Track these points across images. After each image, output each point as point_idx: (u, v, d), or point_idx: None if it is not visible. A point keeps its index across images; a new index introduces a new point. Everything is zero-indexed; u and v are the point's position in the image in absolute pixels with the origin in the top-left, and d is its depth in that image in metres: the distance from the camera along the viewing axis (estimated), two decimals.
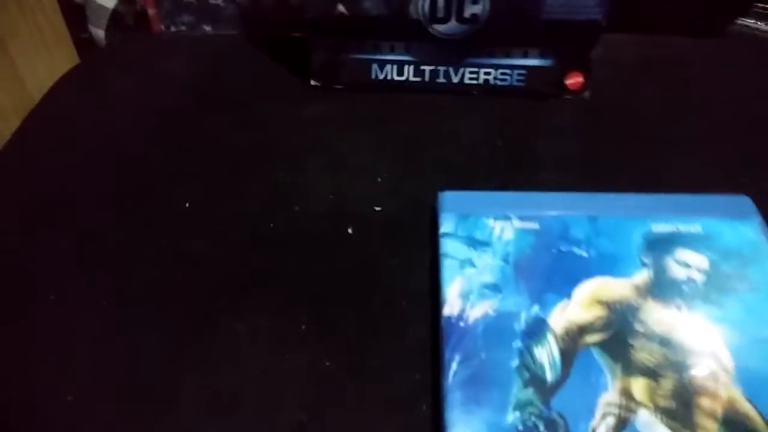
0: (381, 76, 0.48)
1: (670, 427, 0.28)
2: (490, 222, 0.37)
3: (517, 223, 0.37)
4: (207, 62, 0.52)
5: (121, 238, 0.38)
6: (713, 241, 0.36)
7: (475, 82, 0.48)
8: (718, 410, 0.29)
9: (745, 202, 0.38)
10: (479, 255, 0.35)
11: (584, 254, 0.35)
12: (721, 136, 0.45)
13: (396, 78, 0.48)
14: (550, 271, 0.34)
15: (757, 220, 0.37)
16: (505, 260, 0.35)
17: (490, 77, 0.48)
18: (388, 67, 0.48)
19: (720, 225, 0.37)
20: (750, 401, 0.29)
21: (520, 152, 0.44)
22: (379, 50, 0.47)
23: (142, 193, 0.41)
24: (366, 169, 0.42)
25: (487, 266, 0.34)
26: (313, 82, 0.49)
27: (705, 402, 0.29)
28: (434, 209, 0.38)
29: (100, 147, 0.44)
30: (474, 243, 0.36)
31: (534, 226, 0.37)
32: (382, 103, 0.48)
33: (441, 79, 0.48)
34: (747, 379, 0.30)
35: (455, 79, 0.48)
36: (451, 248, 0.35)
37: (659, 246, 0.36)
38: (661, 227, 0.36)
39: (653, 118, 0.47)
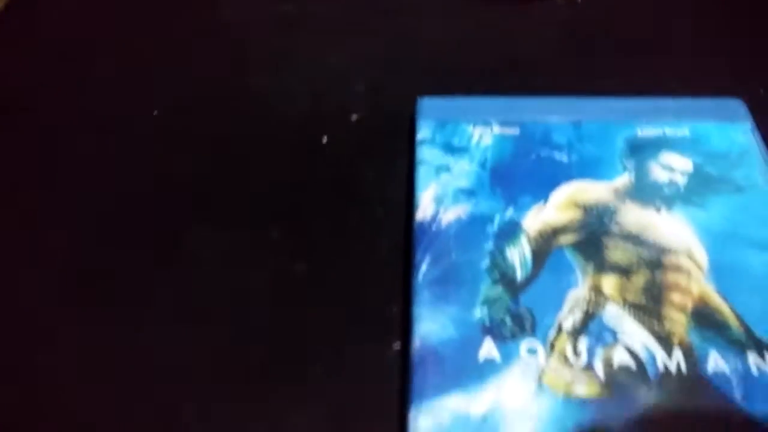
0: None
1: (638, 320, 0.28)
2: (470, 128, 0.36)
3: (496, 129, 0.36)
4: None
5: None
6: (700, 145, 0.35)
7: None
8: (689, 304, 0.29)
9: (737, 105, 0.37)
10: (456, 161, 0.35)
11: (564, 159, 0.35)
12: (717, 39, 0.43)
13: None
14: (528, 175, 0.34)
15: (748, 123, 0.36)
16: (482, 166, 0.34)
17: None
18: None
19: (709, 128, 0.36)
20: (723, 296, 0.29)
21: (507, 57, 0.42)
22: None
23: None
24: (342, 75, 0.41)
25: (462, 172, 0.34)
26: None
27: (675, 297, 0.29)
28: (413, 117, 0.37)
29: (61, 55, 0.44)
30: (451, 149, 0.35)
31: (514, 131, 0.36)
32: (359, 4, 0.46)
33: None
34: (721, 277, 0.30)
35: None
36: (427, 155, 0.35)
37: (643, 150, 0.35)
38: (647, 131, 0.36)
39: (647, 20, 0.45)
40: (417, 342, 0.28)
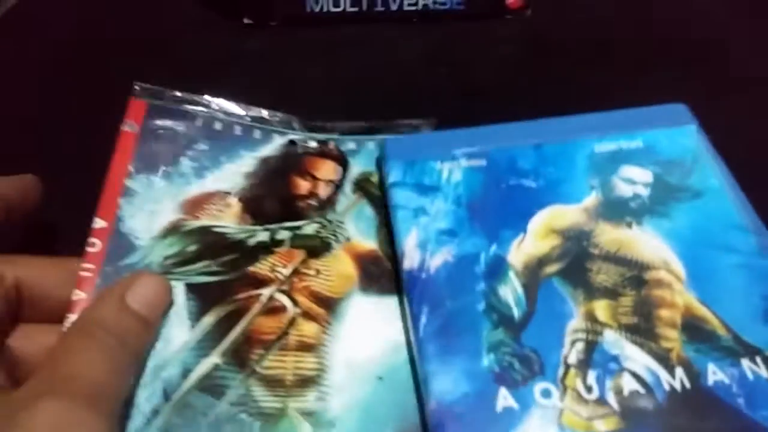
0: (317, 9, 0.46)
1: (635, 343, 0.29)
2: (438, 165, 0.36)
3: (464, 162, 0.36)
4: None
5: None
6: (655, 154, 0.36)
7: (414, 8, 0.47)
8: (677, 318, 0.30)
9: (680, 109, 0.39)
10: (431, 201, 0.34)
11: (533, 185, 0.35)
12: (659, 49, 0.45)
13: (333, 9, 0.46)
14: (503, 206, 0.34)
15: (693, 126, 0.38)
16: (457, 203, 0.34)
17: (429, 2, 0.47)
18: None
19: (659, 136, 0.37)
20: (704, 304, 0.30)
21: (463, 79, 0.43)
22: None
23: None
24: (309, 107, 0.40)
25: (440, 212, 0.34)
26: (246, 20, 0.47)
27: (664, 313, 0.30)
28: (380, 157, 0.37)
29: None
30: (424, 189, 0.35)
31: (481, 163, 0.36)
32: (320, 36, 0.46)
33: (379, 8, 0.47)
34: (699, 284, 0.31)
35: (394, 7, 0.47)
36: (402, 198, 0.35)
37: (604, 166, 0.36)
38: (603, 146, 0.37)
39: (593, 35, 0.46)
40: (433, 403, 0.28)
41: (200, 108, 0.38)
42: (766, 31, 0.47)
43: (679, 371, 0.28)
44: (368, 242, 0.34)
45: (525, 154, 0.36)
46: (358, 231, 0.34)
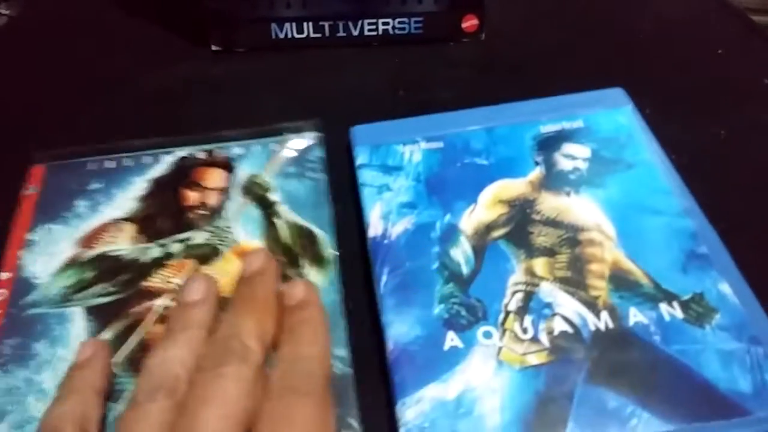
0: (281, 35, 0.50)
1: (568, 292, 0.34)
2: (400, 148, 0.41)
3: (424, 145, 0.41)
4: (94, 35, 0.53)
5: None
6: (593, 133, 0.41)
7: (374, 33, 0.50)
8: (606, 271, 0.34)
9: (618, 93, 0.43)
10: (394, 179, 0.39)
11: (485, 162, 0.40)
12: (610, 61, 0.48)
13: (296, 36, 0.50)
14: (457, 182, 0.39)
15: (629, 107, 0.42)
16: (417, 180, 0.39)
17: (389, 27, 0.50)
18: (287, 25, 0.49)
19: (598, 117, 0.42)
20: (631, 259, 0.35)
21: (422, 100, 0.45)
22: (274, 8, 0.49)
23: None
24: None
25: (402, 188, 0.39)
26: (213, 48, 0.51)
27: (594, 266, 0.35)
28: (348, 145, 0.41)
29: None
30: (388, 169, 0.40)
31: (439, 145, 0.41)
32: (284, 62, 0.49)
33: (341, 33, 0.50)
34: (627, 243, 0.35)
35: (355, 32, 0.50)
36: (368, 177, 0.39)
37: (548, 144, 0.40)
38: (548, 128, 0.41)
39: (547, 51, 0.50)
40: (390, 344, 0.32)
41: (92, 157, 0.41)
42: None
43: (604, 314, 0.33)
44: (254, 242, 0.36)
45: (478, 136, 0.41)
46: (246, 232, 0.37)
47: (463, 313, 0.33)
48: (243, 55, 0.51)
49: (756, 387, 0.29)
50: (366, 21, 0.49)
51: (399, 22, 0.50)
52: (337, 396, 0.30)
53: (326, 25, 0.50)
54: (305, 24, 0.49)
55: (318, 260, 0.36)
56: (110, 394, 0.31)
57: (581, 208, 0.37)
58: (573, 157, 0.40)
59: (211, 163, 0.41)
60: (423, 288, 0.34)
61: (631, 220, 0.36)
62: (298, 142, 0.42)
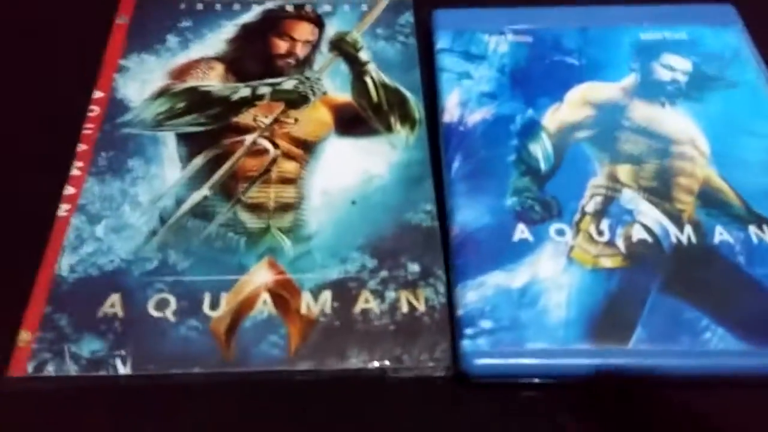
0: None
1: (651, 202, 0.32)
2: (485, 37, 0.38)
3: (511, 37, 0.38)
4: None
5: None
6: (697, 47, 0.38)
7: None
8: (695, 186, 0.32)
9: (728, 10, 0.40)
10: (476, 67, 0.37)
11: (576, 62, 0.37)
12: None
13: None
14: (544, 79, 0.36)
15: (738, 26, 0.39)
16: (501, 71, 0.37)
17: None
18: None
19: (704, 32, 0.38)
20: (724, 179, 0.32)
21: None
22: None
23: None
24: None
25: (483, 77, 0.36)
26: None
27: (683, 180, 0.32)
28: (429, 29, 0.39)
29: None
30: (470, 57, 0.37)
31: (527, 39, 0.38)
32: None
33: None
34: (722, 161, 0.33)
35: None
36: (448, 63, 0.37)
37: (646, 52, 0.37)
38: (648, 35, 0.38)
39: None
40: (456, 229, 0.31)
41: None
42: None
43: (688, 229, 0.31)
44: (343, 95, 0.37)
45: (570, 35, 0.38)
46: (334, 86, 0.37)
47: (537, 207, 0.31)
48: None
49: None
50: None
51: None
52: (425, 247, 0.31)
53: None
54: None
55: (407, 119, 0.36)
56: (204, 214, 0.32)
57: (676, 121, 0.35)
58: (672, 68, 0.37)
59: (302, 16, 0.41)
60: (496, 178, 0.32)
61: (728, 139, 0.34)
62: (388, 6, 0.41)
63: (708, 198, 0.32)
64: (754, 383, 0.27)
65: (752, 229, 0.31)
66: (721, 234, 0.30)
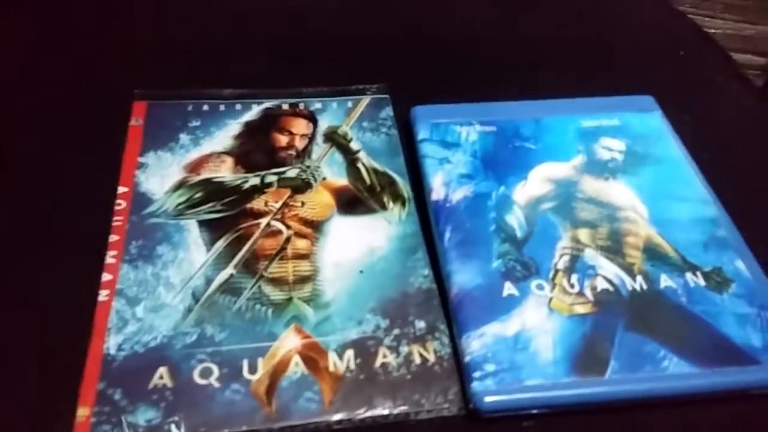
0: None
1: (607, 258, 0.39)
2: (458, 128, 0.45)
3: (479, 128, 0.46)
4: None
5: None
6: (628, 130, 0.46)
7: None
8: (640, 243, 0.39)
9: (649, 100, 0.49)
10: (453, 153, 0.44)
11: (533, 147, 0.45)
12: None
13: None
14: (509, 161, 0.44)
15: (658, 113, 0.48)
16: (474, 156, 0.44)
17: None
18: None
19: (632, 118, 0.47)
20: (662, 236, 0.40)
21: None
22: None
23: None
24: None
25: (460, 161, 0.43)
26: None
27: (630, 239, 0.40)
28: (408, 121, 0.46)
29: None
30: (447, 145, 0.44)
31: (492, 129, 0.46)
32: None
33: None
34: (658, 222, 0.41)
35: None
36: (429, 150, 0.44)
37: (588, 136, 0.46)
38: (588, 122, 0.47)
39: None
40: (455, 289, 0.37)
41: (189, 100, 0.47)
42: None
43: (639, 278, 0.38)
44: (341, 180, 0.43)
45: (527, 124, 0.46)
46: (332, 172, 0.43)
47: (519, 268, 0.38)
48: None
49: (765, 342, 0.35)
50: None
51: None
52: (428, 306, 0.36)
53: None
54: None
55: (398, 198, 0.42)
56: (233, 290, 0.37)
57: (618, 192, 0.42)
58: (610, 148, 0.45)
59: (297, 113, 0.47)
60: (482, 245, 0.39)
61: (661, 203, 0.42)
62: (370, 103, 0.48)
63: (652, 252, 0.39)
64: (707, 399, 0.34)
65: (689, 276, 0.38)
66: (665, 281, 0.38)
